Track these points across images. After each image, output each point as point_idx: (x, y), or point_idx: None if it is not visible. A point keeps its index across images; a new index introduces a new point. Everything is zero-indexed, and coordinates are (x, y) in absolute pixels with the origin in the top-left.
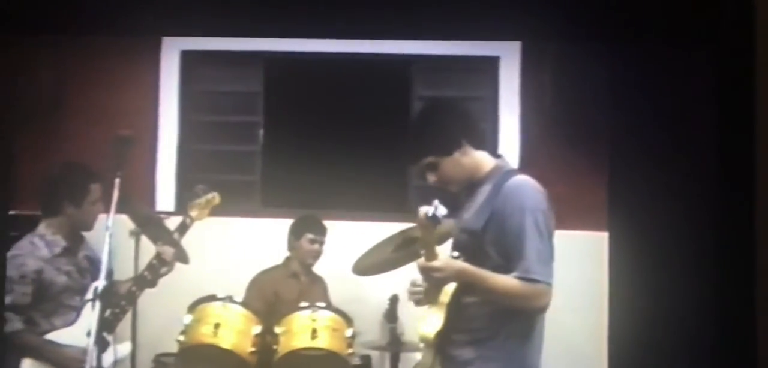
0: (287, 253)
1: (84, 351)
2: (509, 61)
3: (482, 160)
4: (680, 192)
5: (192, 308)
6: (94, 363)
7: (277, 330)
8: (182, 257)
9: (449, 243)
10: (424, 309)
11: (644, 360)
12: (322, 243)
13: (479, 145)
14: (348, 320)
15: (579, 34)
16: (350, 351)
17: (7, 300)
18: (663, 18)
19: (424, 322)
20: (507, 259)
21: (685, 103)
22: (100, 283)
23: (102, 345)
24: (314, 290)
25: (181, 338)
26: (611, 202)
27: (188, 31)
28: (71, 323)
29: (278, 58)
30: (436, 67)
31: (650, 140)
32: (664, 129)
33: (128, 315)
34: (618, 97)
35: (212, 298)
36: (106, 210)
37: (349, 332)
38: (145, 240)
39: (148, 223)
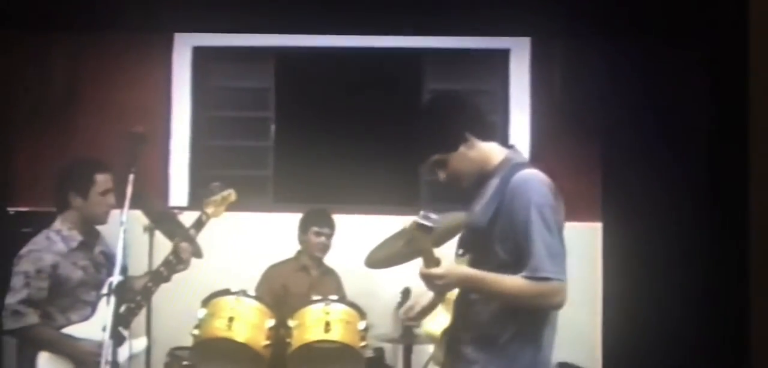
0: (298, 247)
1: (100, 345)
2: (519, 54)
3: (491, 151)
4: (674, 185)
5: (206, 302)
6: (110, 358)
7: (291, 323)
8: (197, 252)
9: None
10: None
11: (638, 347)
12: (328, 236)
13: (486, 137)
14: (361, 313)
15: (583, 31)
16: (363, 343)
17: (24, 294)
18: (659, 17)
19: (431, 319)
20: (516, 257)
21: (680, 99)
22: (115, 278)
23: (118, 339)
24: (326, 283)
25: (196, 332)
26: (605, 194)
27: (200, 27)
28: (87, 318)
29: (289, 54)
30: (447, 61)
31: (644, 134)
32: (659, 124)
33: (143, 310)
34: (613, 92)
35: (226, 292)
36: (119, 204)
37: (362, 325)
38: (159, 235)
39: (162, 219)
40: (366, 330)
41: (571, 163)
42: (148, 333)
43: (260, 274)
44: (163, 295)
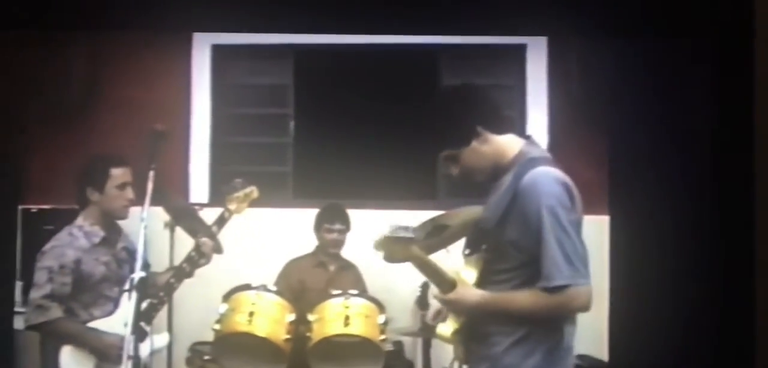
0: (316, 243)
1: (122, 339)
2: (536, 49)
3: (506, 144)
4: (682, 180)
5: (227, 297)
6: (132, 353)
7: (311, 317)
8: (218, 248)
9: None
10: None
11: (644, 338)
12: (340, 231)
13: (499, 130)
14: (380, 307)
15: (597, 30)
16: (383, 337)
17: (47, 289)
18: (670, 16)
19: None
20: (533, 259)
21: (689, 96)
22: (137, 274)
23: (140, 335)
24: (344, 278)
25: (217, 326)
26: (612, 188)
27: (219, 26)
28: (110, 314)
29: (308, 51)
30: (464, 56)
31: (653, 129)
32: (667, 120)
33: (165, 306)
34: (624, 89)
35: (247, 287)
36: (140, 201)
37: (381, 318)
38: (179, 231)
39: (183, 215)
40: (385, 323)
41: (587, 157)
42: (170, 328)
43: (280, 269)
44: (184, 291)
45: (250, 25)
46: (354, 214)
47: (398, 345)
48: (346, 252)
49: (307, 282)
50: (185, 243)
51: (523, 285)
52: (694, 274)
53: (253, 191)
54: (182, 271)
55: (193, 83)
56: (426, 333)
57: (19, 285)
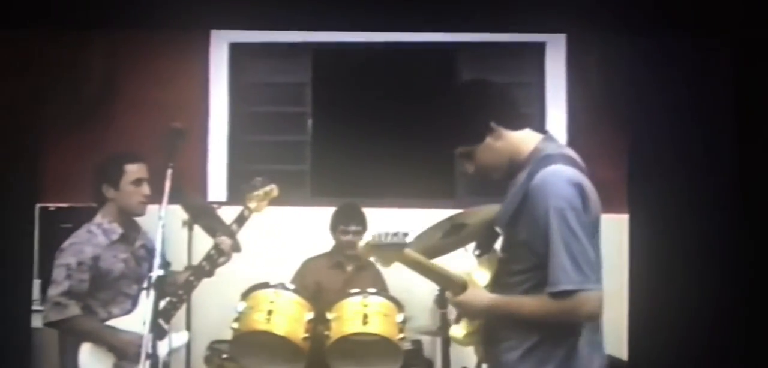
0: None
1: (141, 337)
2: (555, 47)
3: (521, 141)
4: (701, 178)
5: (245, 296)
6: (150, 351)
7: (329, 315)
8: (237, 247)
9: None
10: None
11: (664, 337)
12: (356, 232)
13: (514, 126)
14: (399, 305)
15: (617, 27)
16: (401, 336)
17: (65, 286)
18: (690, 13)
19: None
20: (542, 261)
21: (708, 94)
22: (155, 272)
23: (159, 333)
24: (362, 279)
25: (235, 325)
26: (631, 186)
27: (237, 23)
28: (128, 312)
29: (326, 49)
30: (482, 54)
31: (673, 127)
32: (687, 117)
33: (183, 305)
34: (643, 86)
35: (265, 285)
36: (157, 199)
37: (400, 317)
38: (197, 230)
39: (201, 214)
40: (404, 322)
41: (607, 155)
42: (188, 326)
43: (297, 268)
44: (202, 289)
45: (267, 22)
46: (372, 213)
47: (417, 343)
48: None
49: (324, 284)
50: (203, 241)
51: (537, 287)
52: (713, 273)
53: (273, 189)
54: (202, 270)
55: (211, 81)
56: (445, 332)
57: (37, 284)
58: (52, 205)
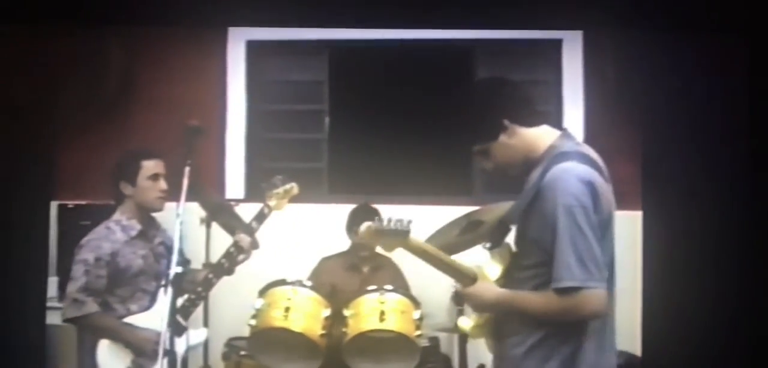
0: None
1: (158, 334)
2: (572, 44)
3: (536, 138)
4: (715, 175)
5: (262, 292)
6: (168, 348)
7: (346, 312)
8: (255, 244)
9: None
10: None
11: (677, 334)
12: None
13: (528, 123)
14: (416, 302)
15: (632, 24)
16: (418, 333)
17: (83, 282)
18: (699, 7)
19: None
20: (550, 257)
21: (723, 91)
22: (173, 269)
23: (177, 330)
24: (379, 279)
25: (253, 322)
26: (645, 182)
27: (254, 20)
28: (146, 309)
29: (343, 47)
30: (499, 51)
31: (687, 124)
32: (701, 114)
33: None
34: (655, 81)
35: (282, 282)
36: (175, 197)
37: (416, 314)
38: (215, 227)
39: (219, 211)
40: (421, 319)
41: (624, 152)
42: (206, 323)
43: (314, 266)
44: (220, 286)
45: (285, 20)
46: (389, 210)
47: (434, 340)
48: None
49: (339, 286)
50: (221, 238)
51: (546, 283)
52: (727, 269)
53: (293, 187)
54: (221, 267)
55: (228, 79)
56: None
57: (55, 281)
58: (70, 203)
